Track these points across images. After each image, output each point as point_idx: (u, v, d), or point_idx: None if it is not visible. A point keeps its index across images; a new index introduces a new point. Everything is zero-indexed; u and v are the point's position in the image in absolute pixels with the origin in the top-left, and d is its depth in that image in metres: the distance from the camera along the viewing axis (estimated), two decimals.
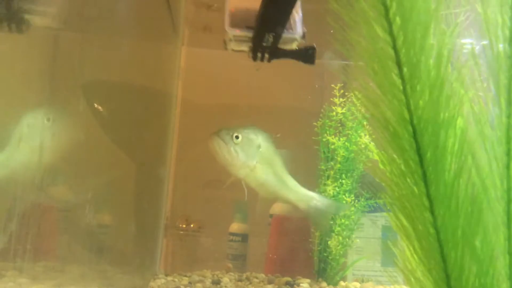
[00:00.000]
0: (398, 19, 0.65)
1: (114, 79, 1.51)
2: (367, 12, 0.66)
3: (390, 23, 0.63)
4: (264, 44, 1.26)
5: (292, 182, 1.65)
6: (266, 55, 1.30)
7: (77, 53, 1.35)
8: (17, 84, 1.23)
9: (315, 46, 1.32)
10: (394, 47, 0.65)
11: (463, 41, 0.73)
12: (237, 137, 1.50)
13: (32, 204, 1.20)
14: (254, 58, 1.32)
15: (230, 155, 1.50)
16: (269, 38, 1.23)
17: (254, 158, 1.53)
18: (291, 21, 1.27)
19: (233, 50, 1.33)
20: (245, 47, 1.32)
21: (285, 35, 1.27)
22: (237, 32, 1.28)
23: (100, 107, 1.42)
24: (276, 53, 1.30)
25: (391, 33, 0.64)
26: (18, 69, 1.24)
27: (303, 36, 1.31)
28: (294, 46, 1.33)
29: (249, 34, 1.28)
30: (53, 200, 1.33)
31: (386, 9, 0.63)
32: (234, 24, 1.28)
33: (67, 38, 1.37)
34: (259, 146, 1.55)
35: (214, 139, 1.50)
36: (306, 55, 1.29)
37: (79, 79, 1.36)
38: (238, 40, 1.31)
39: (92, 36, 1.37)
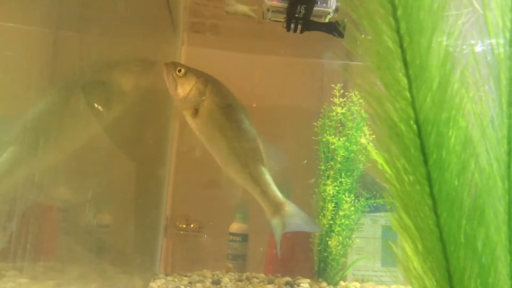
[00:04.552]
0: (405, 20, 0.65)
1: (114, 79, 1.51)
2: (375, 11, 0.66)
3: (398, 22, 0.63)
4: (297, 15, 1.28)
5: (265, 176, 1.47)
6: (299, 27, 1.31)
7: (77, 53, 1.35)
8: (16, 84, 1.22)
9: (346, 20, 1.34)
10: (401, 46, 0.65)
11: (467, 41, 0.73)
12: (179, 71, 1.51)
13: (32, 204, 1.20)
14: (288, 29, 1.33)
15: (170, 85, 1.51)
16: (301, 10, 1.25)
17: (193, 102, 1.50)
18: None
19: (270, 20, 1.36)
20: (281, 18, 1.34)
21: (318, 8, 1.29)
22: (274, 2, 1.30)
23: (100, 107, 1.42)
24: (308, 25, 1.32)
25: (398, 32, 0.64)
26: (18, 69, 1.24)
27: (336, 10, 1.32)
28: (326, 19, 1.34)
29: (285, 5, 1.30)
30: (53, 200, 1.33)
31: (394, 8, 0.63)
32: None
33: (67, 38, 1.37)
34: (203, 94, 1.50)
35: (163, 66, 1.53)
36: (337, 28, 1.31)
37: (79, 79, 1.36)
38: (274, 11, 1.33)
39: (92, 36, 1.37)
